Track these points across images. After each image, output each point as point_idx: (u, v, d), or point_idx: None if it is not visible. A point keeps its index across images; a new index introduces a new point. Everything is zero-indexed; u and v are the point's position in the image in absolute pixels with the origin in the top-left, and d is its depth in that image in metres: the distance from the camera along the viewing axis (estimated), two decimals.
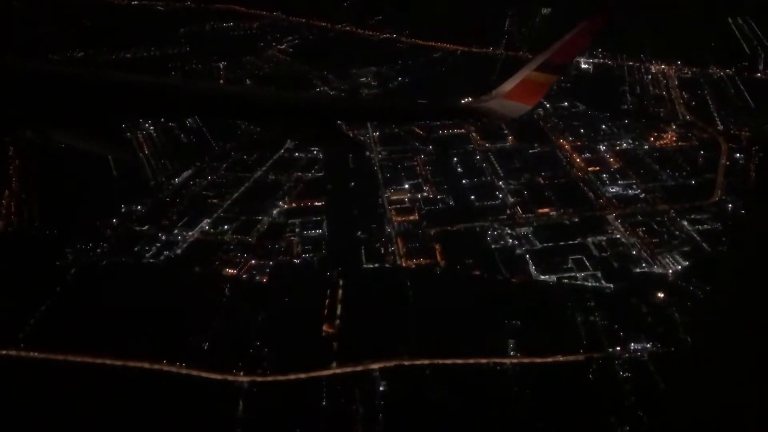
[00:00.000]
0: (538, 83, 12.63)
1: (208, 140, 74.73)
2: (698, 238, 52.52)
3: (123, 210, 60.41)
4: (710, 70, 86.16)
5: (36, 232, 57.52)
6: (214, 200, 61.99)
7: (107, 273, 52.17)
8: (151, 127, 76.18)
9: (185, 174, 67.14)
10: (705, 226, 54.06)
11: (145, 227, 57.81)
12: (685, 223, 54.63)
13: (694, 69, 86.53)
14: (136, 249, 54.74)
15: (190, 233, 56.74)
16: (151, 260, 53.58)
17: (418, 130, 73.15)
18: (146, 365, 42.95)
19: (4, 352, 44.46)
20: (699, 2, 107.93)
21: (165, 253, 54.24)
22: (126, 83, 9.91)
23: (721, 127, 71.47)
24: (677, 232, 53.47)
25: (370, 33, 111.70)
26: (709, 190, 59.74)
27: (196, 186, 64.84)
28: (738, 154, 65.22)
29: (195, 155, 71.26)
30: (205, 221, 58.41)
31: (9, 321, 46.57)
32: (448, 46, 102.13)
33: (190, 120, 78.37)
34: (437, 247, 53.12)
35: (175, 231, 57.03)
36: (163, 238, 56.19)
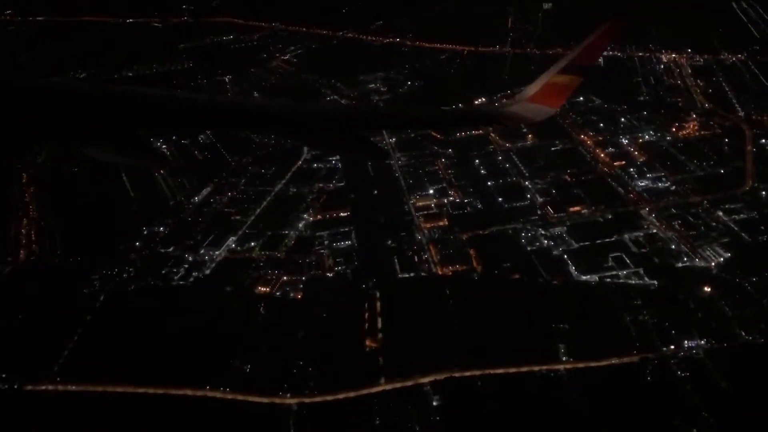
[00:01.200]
0: (562, 86, 12.61)
1: (222, 155, 73.65)
2: (736, 228, 51.65)
3: (145, 232, 59.29)
4: (722, 57, 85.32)
5: (59, 259, 56.24)
6: (237, 217, 60.90)
7: (137, 298, 51.04)
8: (164, 146, 75.16)
9: (204, 191, 66.01)
10: (741, 215, 53.25)
11: (170, 249, 56.71)
12: (720, 213, 53.77)
13: (706, 56, 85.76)
14: (163, 271, 53.63)
15: (217, 252, 55.65)
16: (180, 282, 52.50)
17: (435, 134, 72.03)
18: (189, 392, 41.79)
19: (41, 387, 43.20)
20: None
21: (194, 274, 53.17)
22: (156, 98, 10.00)
23: (742, 114, 70.68)
24: (714, 224, 52.59)
25: (373, 38, 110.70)
26: (739, 178, 58.93)
27: (216, 203, 63.74)
28: (763, 140, 64.29)
29: (212, 171, 70.09)
30: (230, 239, 57.33)
31: (41, 353, 45.44)
32: (453, 46, 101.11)
33: (203, 136, 77.52)
34: (472, 252, 52.15)
35: (202, 251, 55.94)
36: (190, 258, 55.10)
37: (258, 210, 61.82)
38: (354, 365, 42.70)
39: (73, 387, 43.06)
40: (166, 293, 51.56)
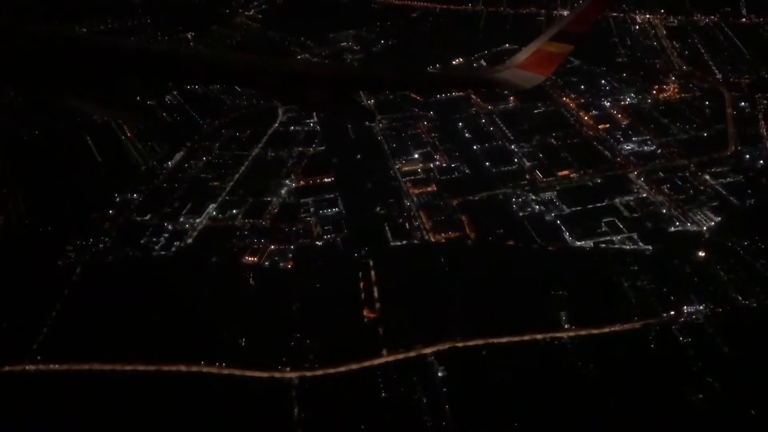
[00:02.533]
0: (552, 53, 12.44)
1: (193, 118, 70.54)
2: (724, 192, 52.01)
3: (118, 200, 56.58)
4: (695, 18, 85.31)
5: (28, 231, 53.07)
6: (215, 183, 58.56)
7: (117, 270, 48.62)
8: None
9: (177, 156, 63.24)
10: (728, 179, 53.61)
11: (147, 217, 54.26)
12: (707, 177, 54.04)
13: (680, 17, 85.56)
14: (142, 241, 51.21)
15: (198, 220, 53.43)
16: (162, 252, 50.19)
17: (415, 96, 70.26)
18: (183, 368, 40.10)
19: (20, 368, 40.86)
20: None
21: (176, 243, 50.90)
22: (142, 50, 9.96)
23: (719, 76, 70.94)
24: (702, 187, 52.81)
25: None
26: (722, 141, 59.20)
27: (191, 168, 61.17)
28: (742, 103, 64.68)
29: (183, 135, 67.04)
30: (210, 206, 55.08)
31: (18, 331, 43.01)
32: (425, 4, 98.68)
33: (169, 97, 74.07)
34: (464, 218, 51.16)
35: (181, 219, 53.64)
36: (170, 227, 52.79)
37: (236, 176, 59.53)
38: (353, 337, 41.61)
39: (56, 366, 40.81)
40: (148, 264, 49.30)
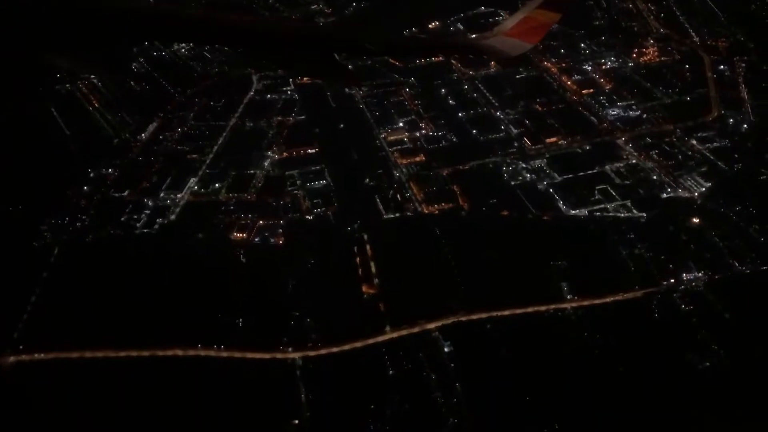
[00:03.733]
0: (540, 21, 12.53)
1: (163, 87, 67.31)
2: (712, 157, 52.27)
3: (92, 175, 53.88)
4: None
5: None
6: (194, 155, 56.19)
7: (97, 249, 46.43)
8: (93, 76, 67.81)
9: (150, 128, 60.32)
10: (714, 144, 53.90)
11: (125, 192, 51.92)
12: (694, 142, 54.21)
13: None
14: (122, 219, 48.98)
15: (179, 195, 51.36)
16: (144, 230, 48.11)
17: (393, 61, 68.46)
18: (179, 352, 38.62)
19: (1, 359, 38.74)
20: None
21: (158, 220, 48.84)
22: (127, 8, 9.77)
23: (696, 39, 70.85)
24: (689, 152, 52.97)
25: None
26: (705, 105, 59.34)
27: (167, 141, 58.46)
28: (721, 66, 64.86)
29: (154, 105, 64.00)
30: (191, 180, 52.88)
31: None
32: None
33: (136, 65, 70.59)
34: (456, 188, 50.25)
35: (161, 194, 51.50)
36: (150, 203, 50.65)
37: (215, 147, 57.21)
38: (355, 314, 40.72)
39: (42, 356, 38.84)
40: (131, 243, 47.22)
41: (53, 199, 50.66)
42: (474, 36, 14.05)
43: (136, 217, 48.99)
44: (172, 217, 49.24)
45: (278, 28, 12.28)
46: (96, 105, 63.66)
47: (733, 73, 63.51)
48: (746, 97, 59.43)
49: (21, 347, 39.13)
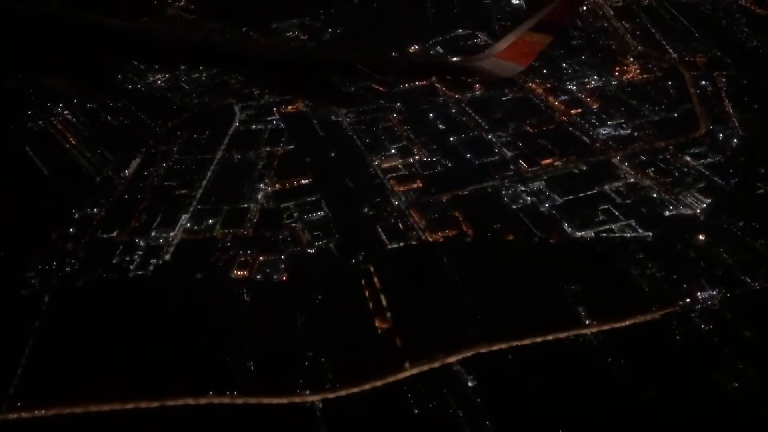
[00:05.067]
0: (532, 43, 12.68)
1: (142, 120, 65.30)
2: (707, 173, 52.52)
3: (76, 216, 51.54)
4: None
5: None
6: (182, 191, 54.23)
7: (91, 295, 44.15)
8: (66, 111, 65.49)
9: (134, 164, 58.22)
10: (708, 159, 54.20)
11: (114, 233, 49.66)
12: (688, 158, 54.50)
13: None
14: (114, 261, 46.74)
15: (172, 234, 49.33)
16: (139, 272, 45.90)
17: (377, 86, 67.71)
18: (191, 401, 36.62)
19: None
20: None
21: (152, 261, 46.72)
22: (127, 29, 9.64)
23: (675, 55, 71.86)
24: (685, 169, 53.17)
25: None
26: (693, 121, 59.91)
27: (153, 176, 56.41)
28: (703, 81, 65.78)
29: (135, 139, 61.90)
30: (183, 217, 50.93)
31: None
32: None
33: (110, 101, 68.31)
34: (458, 215, 49.37)
35: (153, 233, 49.42)
36: (142, 243, 48.47)
37: (204, 182, 55.33)
38: (371, 350, 39.22)
39: (42, 412, 36.44)
40: (126, 286, 45.05)
41: (37, 243, 48.22)
42: (467, 58, 13.61)
43: (128, 258, 46.87)
44: (167, 257, 47.19)
45: (274, 49, 12.71)
46: (73, 142, 61.31)
47: (715, 88, 64.35)
48: (732, 111, 60.17)
49: (19, 404, 36.72)
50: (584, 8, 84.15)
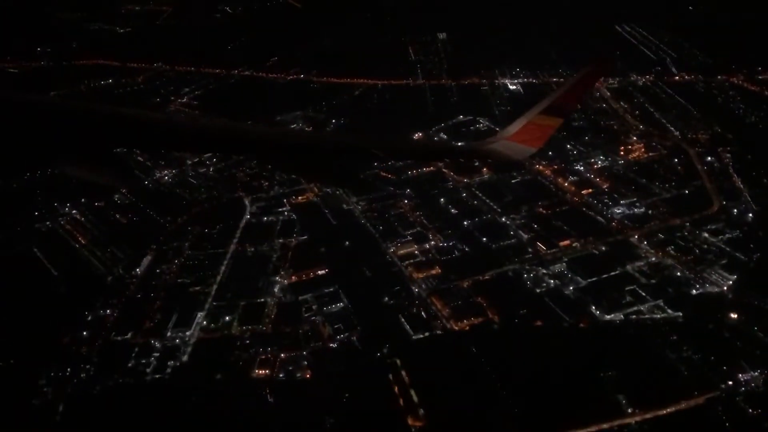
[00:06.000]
0: (543, 126, 12.72)
1: (151, 217, 64.68)
2: (728, 249, 52.12)
3: (89, 318, 49.89)
4: (632, 78, 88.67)
5: None
6: (197, 287, 52.94)
7: (108, 401, 42.12)
8: (74, 211, 65.01)
9: (145, 262, 57.03)
10: (727, 235, 53.91)
11: (128, 335, 48.01)
12: (707, 234, 54.26)
13: (618, 78, 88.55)
14: (129, 365, 44.94)
15: (188, 333, 47.79)
16: (156, 375, 44.07)
17: (384, 174, 67.92)
18: None
19: None
20: (580, 13, 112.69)
21: (170, 363, 44.97)
22: (141, 119, 9.87)
23: (677, 133, 72.96)
24: (705, 246, 52.83)
25: (274, 75, 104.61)
26: (704, 197, 60.06)
27: (165, 274, 55.17)
28: (709, 157, 66.48)
29: (145, 237, 61.05)
30: (198, 315, 49.47)
31: None
32: (365, 81, 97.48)
33: (118, 196, 68.04)
34: (481, 301, 48.31)
35: (169, 333, 47.89)
36: (158, 344, 46.82)
37: (218, 277, 54.16)
38: None
39: None
40: (144, 391, 43.06)
41: (48, 348, 46.42)
42: (478, 141, 13.68)
43: (144, 361, 45.15)
44: (185, 358, 45.56)
45: (289, 137, 12.78)
46: (83, 241, 60.45)
47: (722, 164, 64.92)
48: (742, 186, 60.41)
49: None
50: None
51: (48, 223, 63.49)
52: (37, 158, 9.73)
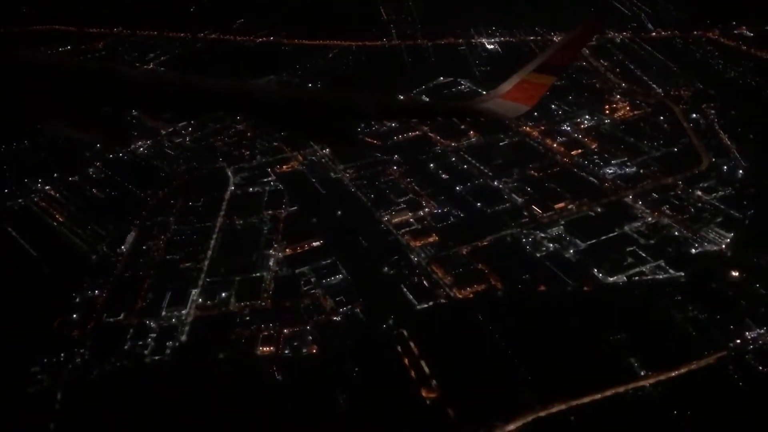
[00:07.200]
0: (536, 84, 12.69)
1: (130, 191, 62.08)
2: (722, 207, 52.40)
3: (77, 300, 47.82)
4: (610, 35, 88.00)
5: None
6: (187, 263, 51.14)
7: (107, 386, 40.52)
8: (47, 186, 62.08)
9: (129, 238, 54.78)
10: (720, 193, 54.12)
11: (121, 316, 46.14)
12: (700, 193, 54.43)
13: (596, 36, 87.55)
14: (126, 347, 43.26)
15: (184, 311, 46.19)
16: (155, 357, 42.54)
17: (370, 140, 66.35)
18: None
19: None
20: None
21: (168, 343, 43.43)
22: (133, 76, 9.83)
23: (660, 90, 72.78)
24: (699, 204, 52.96)
25: (243, 38, 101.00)
26: (693, 154, 60.17)
27: (153, 250, 53.10)
28: (694, 114, 66.52)
29: (126, 211, 58.61)
30: (193, 292, 47.83)
31: None
32: (339, 42, 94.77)
33: (92, 169, 65.20)
34: (483, 267, 47.71)
35: (164, 313, 46.18)
36: (153, 325, 45.13)
37: (209, 252, 52.34)
38: (423, 424, 36.64)
39: None
40: (143, 373, 41.51)
41: (39, 334, 44.36)
42: (471, 100, 13.44)
43: (141, 342, 43.57)
44: (183, 337, 44.11)
45: (279, 93, 12.52)
46: (60, 219, 57.80)
47: (707, 121, 65.01)
48: (729, 143, 60.63)
49: None
50: None
51: (20, 200, 60.53)
52: (25, 116, 9.20)
